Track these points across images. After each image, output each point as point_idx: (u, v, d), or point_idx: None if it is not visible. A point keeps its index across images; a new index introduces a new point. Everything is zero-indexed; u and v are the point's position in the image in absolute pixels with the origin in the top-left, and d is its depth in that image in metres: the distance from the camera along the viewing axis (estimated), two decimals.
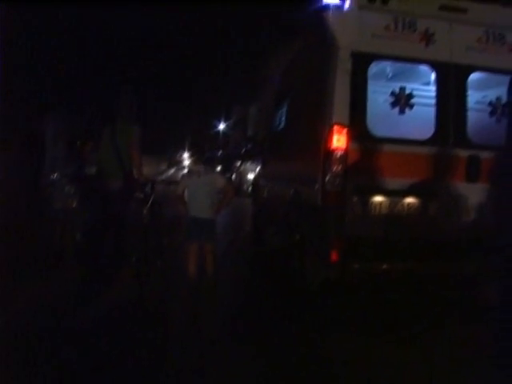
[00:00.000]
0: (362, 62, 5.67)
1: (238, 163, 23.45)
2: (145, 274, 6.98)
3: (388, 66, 6.80)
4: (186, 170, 7.57)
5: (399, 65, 6.62)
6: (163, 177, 33.44)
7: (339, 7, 5.81)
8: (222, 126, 68.39)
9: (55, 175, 8.65)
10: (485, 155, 5.85)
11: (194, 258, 6.67)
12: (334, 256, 5.46)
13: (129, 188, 7.20)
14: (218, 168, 37.84)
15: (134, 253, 7.21)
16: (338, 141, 5.48)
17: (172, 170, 52.84)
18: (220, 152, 47.16)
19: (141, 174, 7.31)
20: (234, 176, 25.50)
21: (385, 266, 5.66)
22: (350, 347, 5.19)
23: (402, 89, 5.96)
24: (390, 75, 6.97)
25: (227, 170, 32.07)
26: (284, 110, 8.69)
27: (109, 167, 7.15)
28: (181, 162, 58.74)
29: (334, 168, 5.48)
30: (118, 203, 7.14)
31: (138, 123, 7.40)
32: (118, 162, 7.06)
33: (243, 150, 17.98)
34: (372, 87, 5.84)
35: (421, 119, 5.93)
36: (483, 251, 5.53)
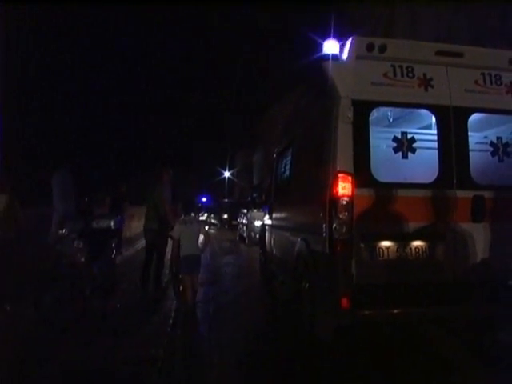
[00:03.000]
0: (362, 110, 5.75)
1: (245, 211, 23.49)
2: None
3: (389, 112, 6.90)
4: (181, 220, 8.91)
5: (400, 110, 6.73)
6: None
7: (338, 57, 5.95)
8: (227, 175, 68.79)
9: (64, 230, 8.69)
10: (489, 195, 5.90)
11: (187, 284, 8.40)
12: (344, 303, 5.43)
13: (164, 227, 9.93)
14: (225, 215, 38.24)
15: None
16: (344, 188, 5.50)
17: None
18: (226, 200, 47.34)
19: (171, 219, 9.95)
20: (240, 224, 25.52)
21: (395, 311, 5.63)
22: None
23: (404, 133, 6.01)
24: (391, 120, 7.05)
25: (233, 217, 32.12)
26: (288, 158, 8.78)
27: (151, 214, 10.25)
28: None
29: (341, 216, 5.49)
30: (157, 238, 10.18)
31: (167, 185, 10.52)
32: (155, 211, 10.16)
33: (249, 199, 18.03)
34: (374, 133, 5.89)
35: (424, 163, 5.98)
36: (493, 292, 5.57)
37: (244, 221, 23.53)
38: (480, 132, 6.54)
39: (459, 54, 6.13)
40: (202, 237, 8.83)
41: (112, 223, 9.19)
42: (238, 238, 25.50)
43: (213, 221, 40.73)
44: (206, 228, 10.66)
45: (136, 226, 22.79)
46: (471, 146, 6.05)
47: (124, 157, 44.54)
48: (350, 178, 5.54)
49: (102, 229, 8.89)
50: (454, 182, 5.90)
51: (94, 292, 8.19)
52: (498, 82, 6.21)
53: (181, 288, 8.90)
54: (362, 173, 5.63)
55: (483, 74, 6.18)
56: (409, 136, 6.01)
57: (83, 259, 8.36)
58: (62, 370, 5.85)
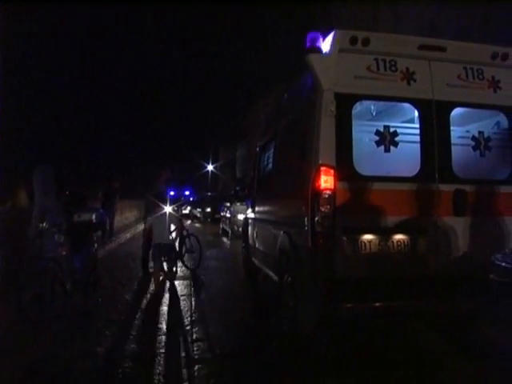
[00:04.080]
0: (345, 103, 5.75)
1: (228, 205, 23.45)
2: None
3: (372, 106, 6.90)
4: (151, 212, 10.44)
5: (383, 104, 6.73)
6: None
7: (321, 50, 5.92)
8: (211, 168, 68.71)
9: (45, 224, 8.60)
10: (471, 189, 5.93)
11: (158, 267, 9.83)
12: (326, 297, 5.44)
13: None
14: (208, 209, 38.19)
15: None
16: (326, 182, 5.50)
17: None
18: (209, 194, 47.20)
19: None
20: (223, 218, 25.47)
21: (377, 305, 5.64)
22: None
23: (387, 127, 6.02)
24: (374, 114, 7.05)
25: (216, 211, 32.03)
26: (271, 151, 8.75)
27: (149, 207, 10.89)
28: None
29: (323, 209, 5.48)
30: None
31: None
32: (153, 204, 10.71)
33: (233, 192, 17.99)
34: (357, 127, 5.88)
35: (406, 156, 5.99)
36: (475, 286, 5.58)
37: (227, 214, 23.47)
38: (462, 126, 6.55)
39: (442, 48, 6.15)
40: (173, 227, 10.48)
41: (94, 217, 9.12)
42: (220, 231, 25.44)
43: (197, 214, 40.52)
44: (189, 222, 12.04)
45: (118, 220, 22.68)
46: (453, 140, 6.08)
47: (114, 152, 44.56)
48: (332, 171, 5.53)
49: (84, 222, 8.82)
50: (436, 175, 5.92)
51: (75, 286, 8.13)
52: (481, 77, 6.24)
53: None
54: (344, 166, 5.63)
55: (466, 68, 6.20)
56: (391, 130, 6.02)
57: (64, 253, 8.29)
58: (42, 366, 5.81)
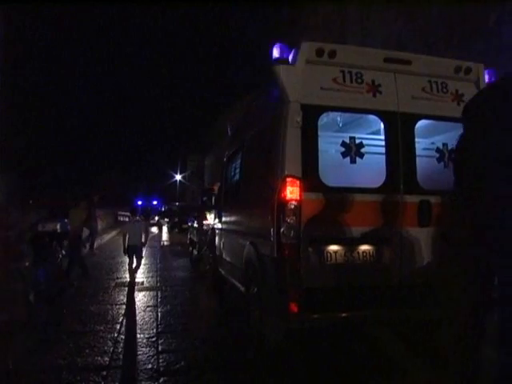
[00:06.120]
0: (311, 115, 5.76)
1: (195, 214, 23.35)
2: None
3: (338, 117, 6.95)
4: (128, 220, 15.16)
5: (349, 115, 6.78)
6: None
7: (288, 61, 5.94)
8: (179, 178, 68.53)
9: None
10: (435, 200, 6.00)
11: (131, 264, 12.16)
12: (292, 308, 5.42)
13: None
14: (176, 219, 38.05)
15: None
16: (292, 193, 5.50)
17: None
18: (177, 204, 47.04)
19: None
20: (191, 228, 25.34)
21: (344, 315, 5.65)
22: None
23: (352, 139, 6.06)
24: (340, 125, 7.11)
25: (184, 221, 31.91)
26: (238, 162, 8.74)
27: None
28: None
29: (289, 220, 5.48)
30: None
31: None
32: None
33: (200, 202, 17.93)
34: (323, 138, 5.90)
35: (372, 167, 6.03)
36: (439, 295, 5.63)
37: (194, 224, 23.34)
38: (427, 138, 6.65)
39: (407, 62, 6.22)
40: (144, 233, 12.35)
41: (58, 226, 9.01)
42: (188, 241, 25.31)
43: (165, 224, 40.45)
44: (157, 231, 13.12)
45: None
46: (418, 151, 6.14)
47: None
48: (298, 182, 5.53)
49: (48, 232, 8.71)
50: (401, 186, 5.96)
51: (39, 298, 8.01)
52: (444, 90, 6.33)
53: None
54: (310, 177, 5.63)
55: (430, 81, 6.29)
56: (357, 141, 6.06)
57: (27, 264, 8.17)
58: (3, 379, 5.70)
